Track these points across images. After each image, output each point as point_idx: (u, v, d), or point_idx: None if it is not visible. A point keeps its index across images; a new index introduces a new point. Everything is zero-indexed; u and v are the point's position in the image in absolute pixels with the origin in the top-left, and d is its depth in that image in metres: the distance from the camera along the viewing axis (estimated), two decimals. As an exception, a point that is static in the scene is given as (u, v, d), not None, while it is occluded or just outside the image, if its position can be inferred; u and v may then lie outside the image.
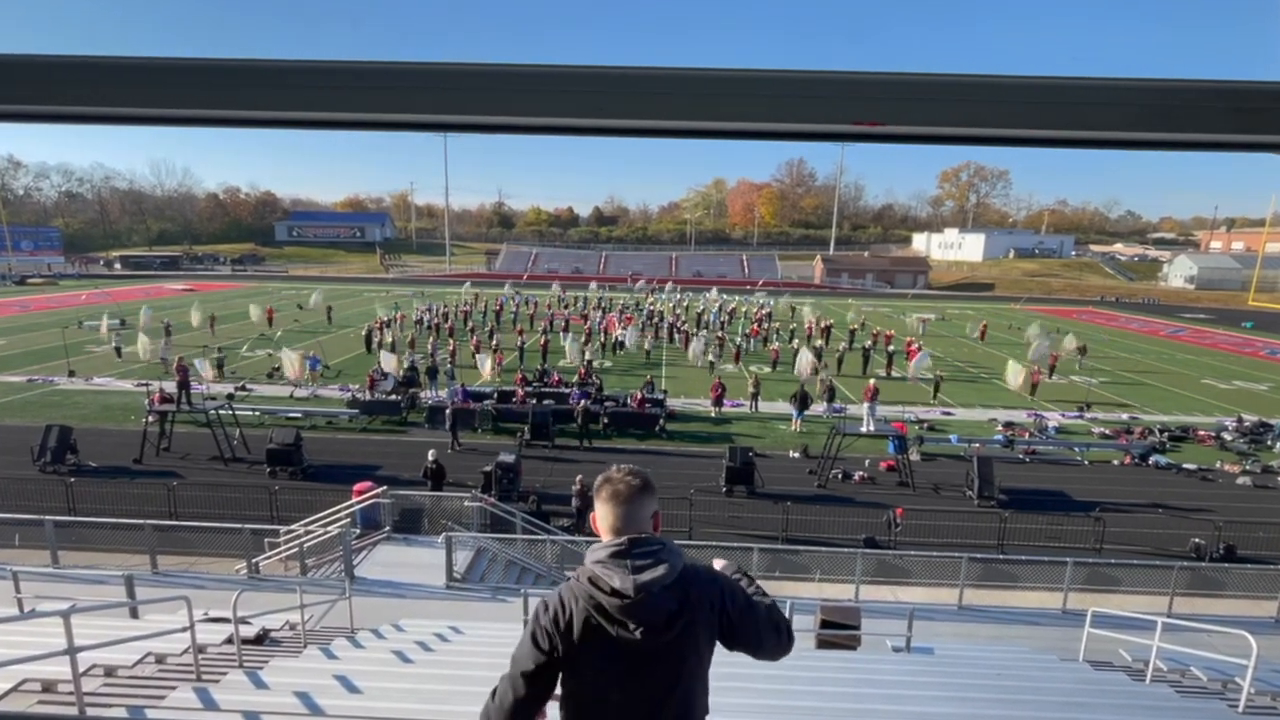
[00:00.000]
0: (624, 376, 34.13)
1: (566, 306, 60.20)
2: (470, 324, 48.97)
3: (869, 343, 41.41)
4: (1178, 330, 61.35)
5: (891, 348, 39.45)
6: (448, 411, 24.05)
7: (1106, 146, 1.10)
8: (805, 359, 32.68)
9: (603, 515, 2.25)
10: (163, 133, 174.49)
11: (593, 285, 74.70)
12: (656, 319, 51.38)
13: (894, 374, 36.16)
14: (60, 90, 1.05)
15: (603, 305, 59.83)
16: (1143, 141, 1.06)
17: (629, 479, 2.23)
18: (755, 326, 49.94)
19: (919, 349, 39.52)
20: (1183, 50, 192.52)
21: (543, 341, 38.62)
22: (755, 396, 29.35)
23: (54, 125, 1.15)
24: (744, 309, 60.35)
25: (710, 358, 37.30)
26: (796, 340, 44.23)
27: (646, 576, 2.09)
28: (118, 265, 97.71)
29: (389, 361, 30.79)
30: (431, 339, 41.17)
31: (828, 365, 34.20)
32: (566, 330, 44.20)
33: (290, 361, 29.93)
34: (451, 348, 36.11)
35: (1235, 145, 1.06)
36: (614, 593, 2.11)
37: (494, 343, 38.15)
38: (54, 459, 20.26)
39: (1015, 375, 31.98)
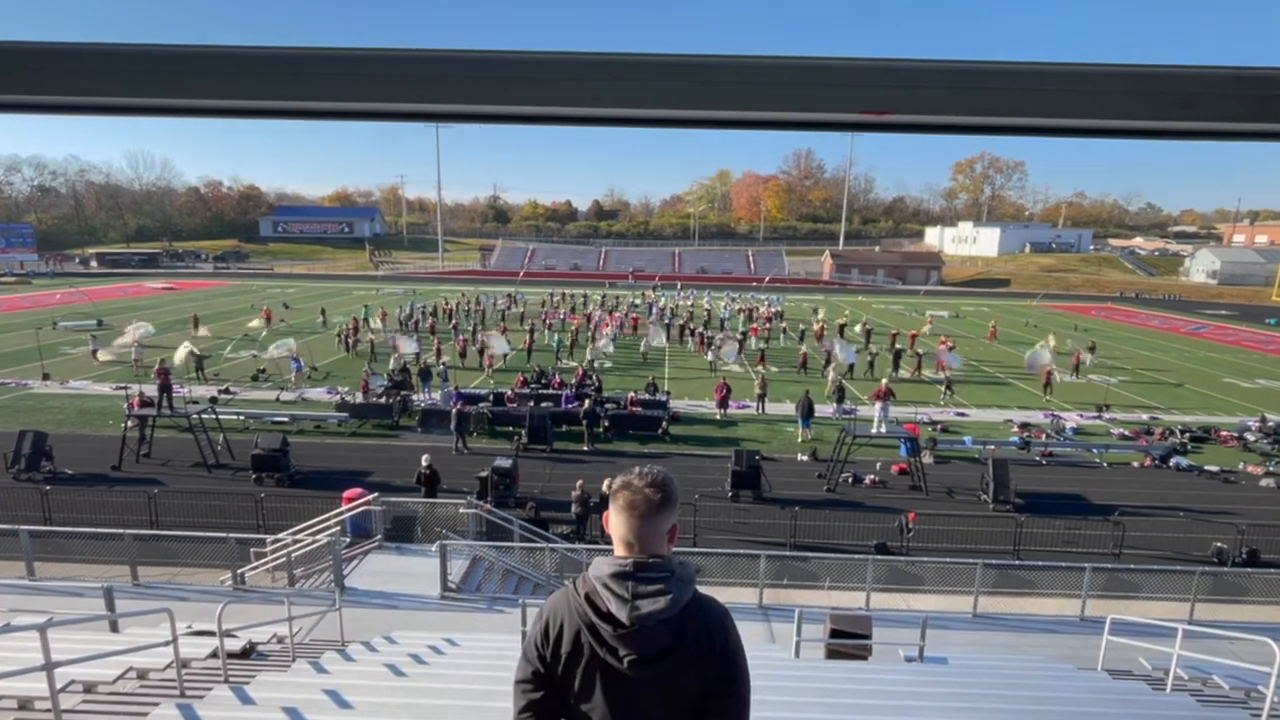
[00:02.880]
0: (625, 378, 34.10)
1: (558, 305, 59.99)
2: (453, 321, 49.30)
3: (889, 344, 41.08)
4: (1199, 327, 61.38)
5: (911, 347, 39.13)
6: (453, 412, 24.10)
7: (1124, 136, 1.10)
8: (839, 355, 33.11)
9: (615, 523, 2.17)
10: (140, 123, 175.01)
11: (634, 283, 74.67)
12: (668, 317, 51.33)
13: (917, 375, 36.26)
14: (32, 79, 1.04)
15: (607, 304, 59.82)
16: (1161, 130, 1.07)
17: (649, 491, 2.13)
18: (756, 326, 49.70)
19: (953, 346, 39.35)
20: (1202, 36, 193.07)
21: (527, 341, 39.05)
22: (762, 398, 29.38)
23: (26, 115, 1.15)
24: (760, 307, 59.72)
25: (726, 361, 37.10)
26: (805, 342, 44.00)
27: (645, 609, 2.04)
28: (94, 263, 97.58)
29: (406, 344, 31.61)
30: (415, 339, 41.26)
31: (838, 364, 34.10)
32: (549, 327, 44.46)
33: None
34: (436, 347, 36.60)
35: (1257, 134, 1.06)
36: (608, 617, 2.07)
37: (479, 342, 38.40)
38: (28, 466, 20.24)
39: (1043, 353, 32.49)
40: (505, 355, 35.94)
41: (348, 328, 42.59)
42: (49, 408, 27.85)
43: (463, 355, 36.89)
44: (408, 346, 33.07)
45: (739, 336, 43.10)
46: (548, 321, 47.35)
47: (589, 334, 44.22)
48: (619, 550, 2.18)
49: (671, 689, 2.11)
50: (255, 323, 44.77)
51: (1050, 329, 47.92)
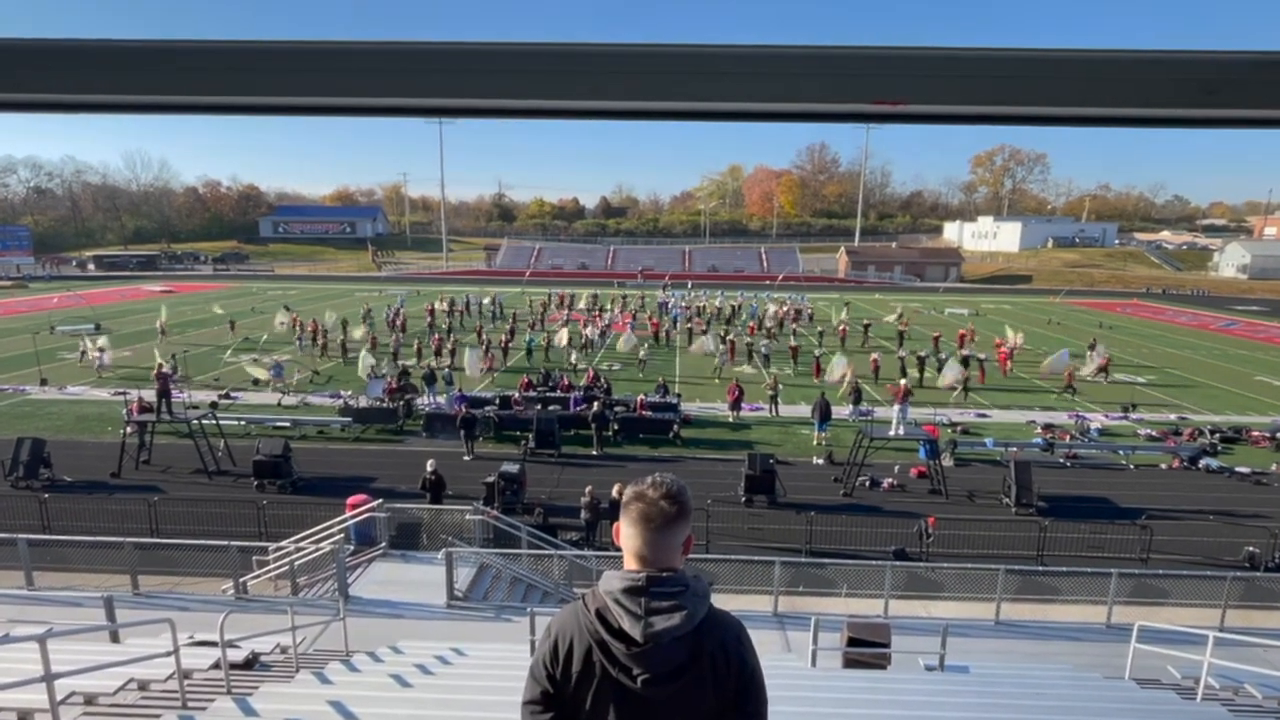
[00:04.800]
0: (635, 381, 34.06)
1: (548, 306, 59.56)
2: (429, 320, 49.77)
3: (933, 349, 40.29)
4: (1230, 323, 60.92)
5: (961, 347, 38.66)
6: (461, 416, 24.11)
7: (1146, 124, 1.10)
8: (951, 372, 32.19)
9: (627, 536, 2.15)
10: (137, 122, 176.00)
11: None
12: (674, 313, 50.90)
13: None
14: (26, 77, 1.05)
15: (630, 304, 59.68)
16: (1185, 119, 1.06)
17: (663, 504, 2.11)
18: (753, 325, 48.78)
19: (1010, 350, 38.80)
20: (1225, 20, 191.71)
21: (503, 340, 39.35)
22: (775, 399, 29.29)
23: (20, 115, 1.16)
24: (772, 306, 58.04)
25: (737, 365, 36.52)
26: (824, 344, 43.19)
27: (659, 625, 2.02)
28: (91, 266, 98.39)
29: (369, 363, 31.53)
30: (395, 336, 41.56)
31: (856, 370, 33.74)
32: (531, 328, 44.69)
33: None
34: (417, 347, 37.57)
35: (1286, 121, 1.06)
36: (621, 635, 2.05)
37: (451, 341, 39.18)
38: (27, 474, 20.38)
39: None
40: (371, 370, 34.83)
41: (309, 327, 42.53)
42: (47, 414, 28.04)
43: (437, 354, 37.34)
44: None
45: (794, 345, 41.60)
46: (531, 324, 47.21)
47: (581, 335, 43.68)
48: (630, 564, 2.15)
49: (687, 708, 2.09)
50: (281, 323, 44.87)
51: (1073, 326, 47.50)
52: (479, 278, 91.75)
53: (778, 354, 40.31)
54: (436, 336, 40.61)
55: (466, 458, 23.25)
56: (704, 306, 57.97)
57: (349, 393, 29.61)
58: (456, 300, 58.19)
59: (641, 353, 36.56)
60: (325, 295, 69.62)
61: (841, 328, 47.08)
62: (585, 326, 44.12)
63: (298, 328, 43.01)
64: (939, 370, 35.38)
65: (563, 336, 37.92)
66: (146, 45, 1.04)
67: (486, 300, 58.78)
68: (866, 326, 46.68)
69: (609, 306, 57.67)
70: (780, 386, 29.72)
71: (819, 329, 48.89)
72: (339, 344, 39.62)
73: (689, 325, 48.37)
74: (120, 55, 1.04)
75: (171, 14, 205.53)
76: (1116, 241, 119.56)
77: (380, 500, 16.46)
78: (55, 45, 1.05)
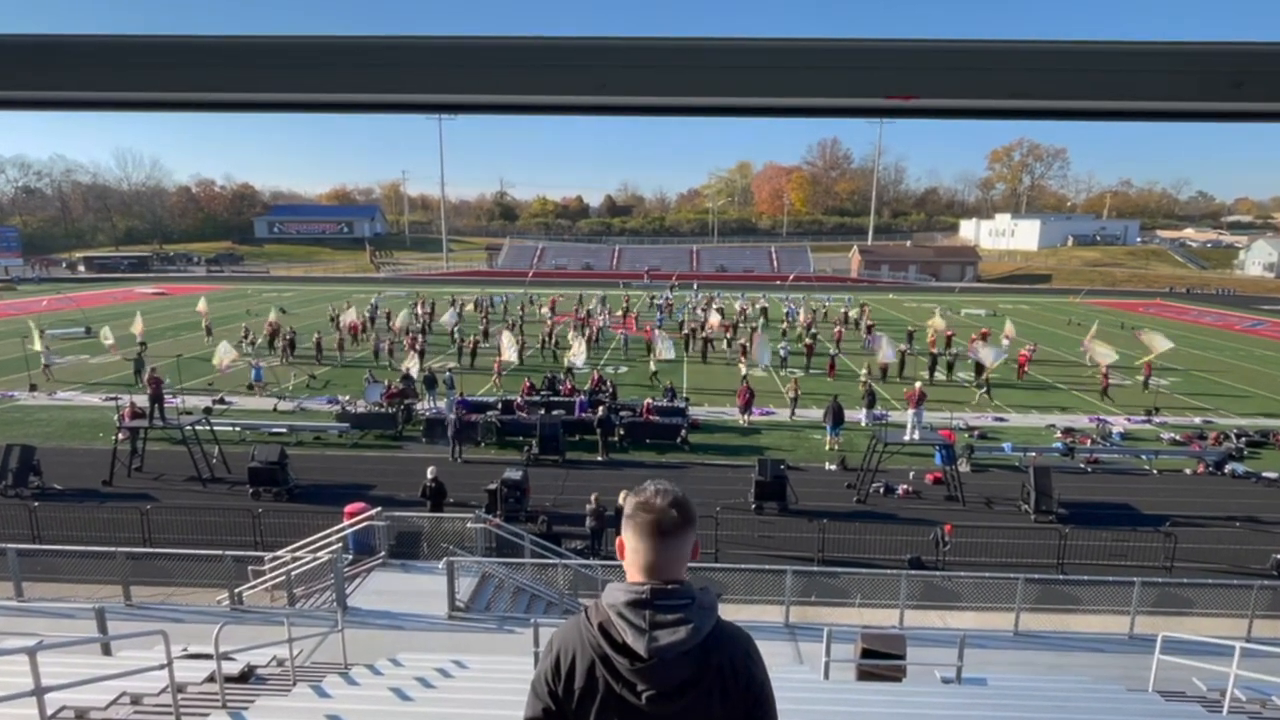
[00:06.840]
0: (641, 385, 34.03)
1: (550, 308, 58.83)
2: (393, 321, 49.55)
3: (945, 347, 40.07)
4: (1256, 323, 60.75)
5: (984, 342, 38.51)
6: (449, 421, 24.18)
7: (1171, 118, 1.09)
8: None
9: (631, 547, 2.14)
10: (128, 119, 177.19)
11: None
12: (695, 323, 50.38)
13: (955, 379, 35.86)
14: (14, 73, 1.05)
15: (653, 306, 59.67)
16: (1211, 112, 1.06)
17: (668, 511, 2.10)
18: (728, 324, 47.23)
19: (1031, 351, 38.53)
20: (1254, 9, 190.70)
21: (471, 342, 39.74)
22: (795, 401, 29.25)
23: (9, 112, 1.15)
24: (827, 307, 56.09)
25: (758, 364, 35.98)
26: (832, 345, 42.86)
27: (664, 640, 2.00)
28: (81, 267, 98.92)
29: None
30: (374, 337, 41.87)
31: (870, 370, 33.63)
32: (514, 327, 44.47)
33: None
34: (389, 346, 38.64)
35: (1313, 114, 1.05)
36: (625, 650, 2.04)
37: (421, 342, 39.53)
38: (15, 481, 20.41)
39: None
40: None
41: (266, 330, 42.94)
42: (36, 420, 28.13)
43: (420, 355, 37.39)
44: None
45: (810, 343, 41.18)
46: (511, 324, 47.04)
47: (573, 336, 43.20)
48: (634, 576, 2.14)
49: None
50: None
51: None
52: (481, 278, 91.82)
53: (794, 355, 40.31)
54: (410, 336, 40.81)
55: (450, 460, 23.31)
56: (712, 310, 56.99)
57: (346, 398, 29.65)
58: (438, 303, 58.42)
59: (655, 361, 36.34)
60: (323, 298, 69.75)
61: (837, 330, 46.49)
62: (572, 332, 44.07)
63: (245, 332, 43.43)
64: (950, 369, 35.52)
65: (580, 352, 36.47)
66: (138, 41, 1.04)
67: (469, 306, 58.75)
68: (870, 327, 46.35)
69: (601, 308, 57.14)
70: (799, 391, 29.68)
71: (813, 330, 47.65)
72: (314, 343, 39.67)
73: (689, 332, 46.54)
74: (111, 51, 1.04)
75: (163, 9, 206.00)
76: (1138, 239, 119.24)
77: (379, 508, 16.45)
78: (44, 41, 1.05)
